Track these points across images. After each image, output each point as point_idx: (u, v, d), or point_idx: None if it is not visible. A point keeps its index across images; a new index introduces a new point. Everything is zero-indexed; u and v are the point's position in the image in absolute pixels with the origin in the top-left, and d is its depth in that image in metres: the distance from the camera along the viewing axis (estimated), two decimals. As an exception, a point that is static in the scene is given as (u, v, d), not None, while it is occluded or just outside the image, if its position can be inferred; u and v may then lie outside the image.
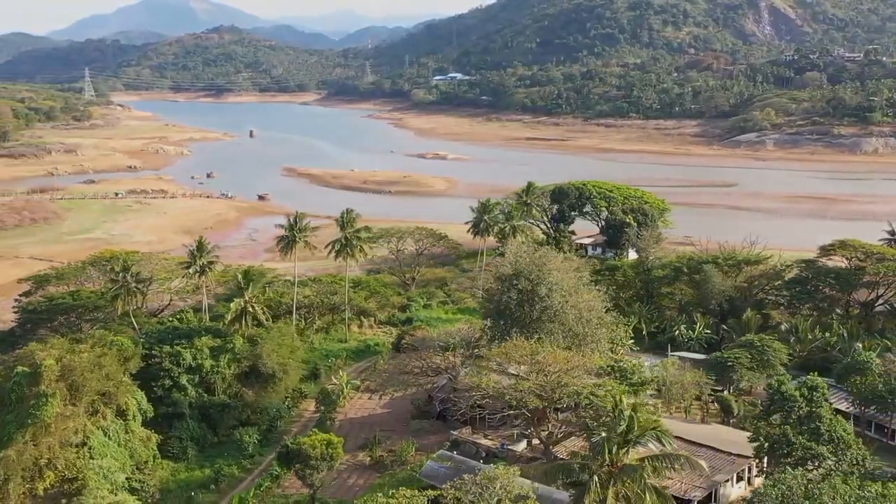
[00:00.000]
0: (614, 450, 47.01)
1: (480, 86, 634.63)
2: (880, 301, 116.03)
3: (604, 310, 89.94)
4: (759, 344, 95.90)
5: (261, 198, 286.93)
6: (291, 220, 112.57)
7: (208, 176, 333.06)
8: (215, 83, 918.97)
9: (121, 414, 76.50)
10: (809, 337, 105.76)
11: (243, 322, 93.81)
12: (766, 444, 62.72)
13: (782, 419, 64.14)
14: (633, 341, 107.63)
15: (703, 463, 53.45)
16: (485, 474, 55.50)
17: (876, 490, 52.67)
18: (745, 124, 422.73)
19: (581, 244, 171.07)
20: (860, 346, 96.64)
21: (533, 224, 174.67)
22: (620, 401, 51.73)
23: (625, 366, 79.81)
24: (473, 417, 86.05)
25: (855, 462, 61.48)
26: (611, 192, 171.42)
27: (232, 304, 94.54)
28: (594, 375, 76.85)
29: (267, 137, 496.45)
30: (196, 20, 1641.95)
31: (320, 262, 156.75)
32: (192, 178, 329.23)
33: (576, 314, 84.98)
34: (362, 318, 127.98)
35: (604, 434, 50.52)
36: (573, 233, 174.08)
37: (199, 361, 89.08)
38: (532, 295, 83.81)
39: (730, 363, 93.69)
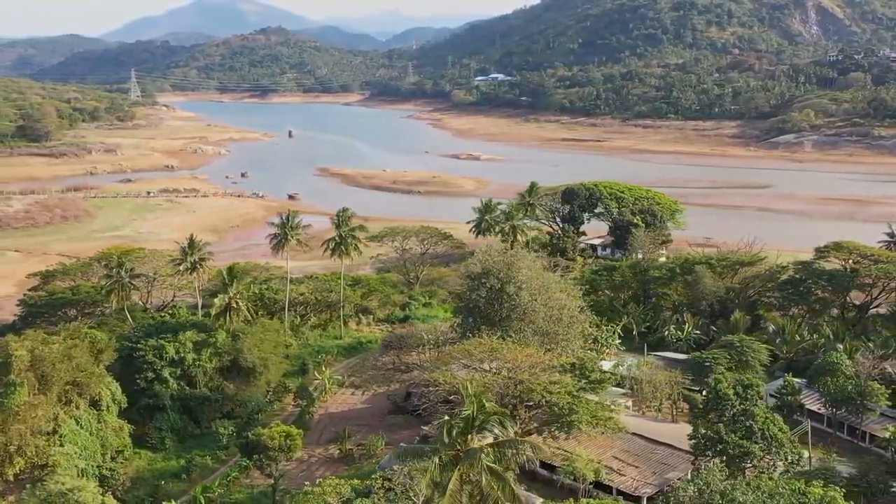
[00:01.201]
0: (454, 433, 48.04)
1: (520, 86, 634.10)
2: (875, 303, 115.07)
3: (578, 309, 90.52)
4: (738, 344, 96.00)
5: (291, 197, 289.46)
6: (283, 218, 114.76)
7: (242, 175, 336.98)
8: (260, 84, 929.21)
9: (94, 404, 79.14)
10: (797, 338, 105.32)
11: (227, 317, 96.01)
12: (701, 442, 63.17)
13: (717, 417, 64.62)
14: (619, 341, 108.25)
15: (544, 449, 53.87)
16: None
17: (797, 488, 52.96)
18: (783, 125, 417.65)
19: (591, 245, 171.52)
20: (841, 347, 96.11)
21: (544, 224, 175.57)
22: (465, 387, 52.58)
23: (586, 363, 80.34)
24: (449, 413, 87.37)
25: (788, 460, 61.69)
26: (622, 192, 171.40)
27: (216, 300, 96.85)
28: (557, 372, 77.56)
29: (305, 137, 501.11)
30: (245, 21, 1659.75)
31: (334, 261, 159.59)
32: (227, 177, 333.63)
33: (546, 313, 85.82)
34: (360, 315, 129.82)
35: (446, 418, 51.59)
36: (583, 233, 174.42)
37: (182, 355, 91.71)
38: (500, 293, 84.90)
39: (707, 363, 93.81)
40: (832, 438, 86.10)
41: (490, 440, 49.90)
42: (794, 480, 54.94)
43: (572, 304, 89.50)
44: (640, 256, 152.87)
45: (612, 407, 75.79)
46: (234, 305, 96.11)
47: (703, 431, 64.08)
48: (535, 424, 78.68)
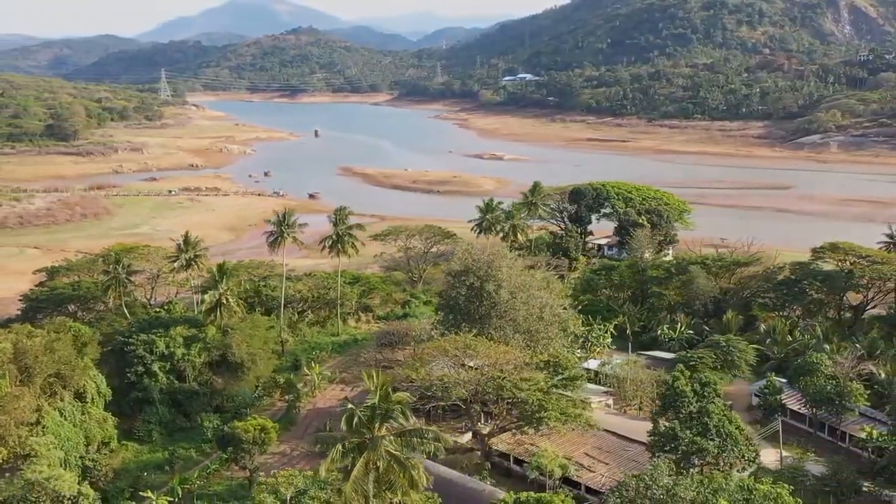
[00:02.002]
0: (354, 422, 49.02)
1: (547, 86, 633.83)
2: (871, 304, 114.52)
3: (561, 308, 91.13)
4: (724, 344, 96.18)
5: (311, 196, 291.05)
6: (280, 216, 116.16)
7: (265, 174, 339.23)
8: (290, 84, 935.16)
9: (79, 396, 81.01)
10: (789, 339, 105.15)
11: (218, 313, 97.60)
12: (657, 439, 63.65)
13: (674, 414, 65.01)
14: (610, 340, 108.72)
15: (447, 439, 54.66)
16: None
17: (744, 484, 53.37)
18: (809, 126, 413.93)
19: (598, 245, 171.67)
20: (828, 347, 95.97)
21: (552, 223, 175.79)
22: (372, 377, 53.40)
23: (560, 361, 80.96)
24: (437, 409, 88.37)
25: (744, 457, 62.01)
26: (630, 192, 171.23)
27: (206, 296, 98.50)
28: (532, 370, 78.30)
29: (331, 137, 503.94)
30: (278, 22, 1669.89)
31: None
32: (250, 176, 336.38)
33: (526, 311, 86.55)
34: (360, 313, 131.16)
35: (350, 406, 52.47)
36: (591, 233, 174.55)
37: (172, 350, 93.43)
38: (480, 291, 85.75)
39: (692, 363, 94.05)
40: (812, 438, 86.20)
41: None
42: (744, 478, 55.27)
43: (554, 303, 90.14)
44: (647, 256, 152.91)
45: (584, 404, 76.34)
46: (224, 302, 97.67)
47: (661, 428, 64.56)
48: (512, 420, 79.65)
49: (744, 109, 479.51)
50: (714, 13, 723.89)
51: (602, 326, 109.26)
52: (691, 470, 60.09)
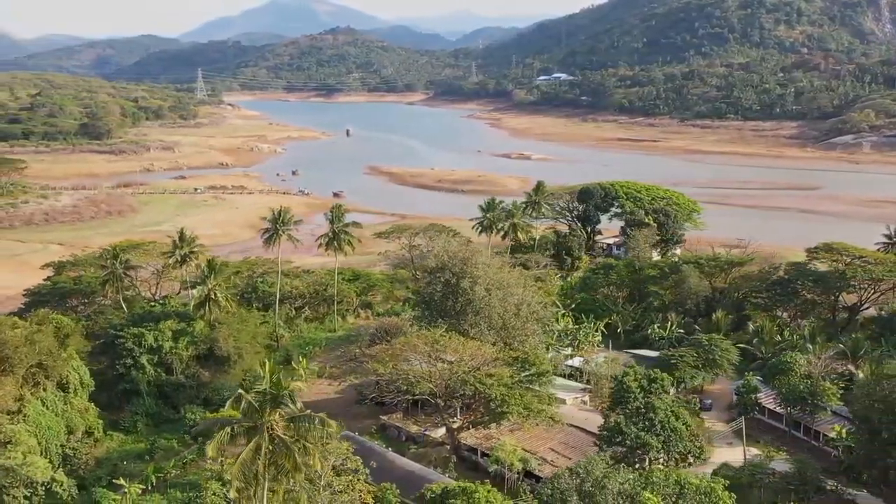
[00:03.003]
0: (242, 406, 50.46)
1: (581, 86, 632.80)
2: (865, 305, 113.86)
3: (540, 305, 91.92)
4: (706, 343, 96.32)
5: (335, 195, 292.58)
6: (275, 213, 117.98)
7: (293, 173, 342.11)
8: (326, 83, 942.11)
9: (63, 387, 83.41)
10: (778, 338, 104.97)
11: (207, 308, 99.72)
12: (604, 434, 64.39)
13: (621, 410, 65.69)
14: (599, 338, 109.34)
15: (332, 424, 55.68)
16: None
17: (678, 478, 54.00)
18: (842, 126, 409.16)
19: (606, 244, 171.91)
20: (811, 347, 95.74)
21: (563, 222, 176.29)
22: (263, 364, 54.61)
23: (529, 357, 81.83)
24: (415, 403, 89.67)
25: (689, 452, 62.60)
26: (639, 192, 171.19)
27: (195, 291, 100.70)
28: (501, 365, 79.23)
29: (363, 136, 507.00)
30: (318, 21, 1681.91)
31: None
32: (277, 174, 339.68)
33: (502, 307, 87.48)
34: (360, 310, 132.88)
35: (240, 392, 53.87)
36: (600, 232, 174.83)
37: (160, 343, 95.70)
38: (456, 287, 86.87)
39: (673, 361, 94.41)
40: (787, 437, 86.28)
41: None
42: (678, 471, 55.95)
43: (532, 300, 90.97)
44: (654, 255, 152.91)
45: (550, 399, 77.17)
46: (213, 297, 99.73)
47: (610, 423, 65.36)
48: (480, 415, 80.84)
49: (777, 109, 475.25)
50: (752, 12, 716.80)
51: (592, 324, 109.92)
52: (638, 464, 60.77)
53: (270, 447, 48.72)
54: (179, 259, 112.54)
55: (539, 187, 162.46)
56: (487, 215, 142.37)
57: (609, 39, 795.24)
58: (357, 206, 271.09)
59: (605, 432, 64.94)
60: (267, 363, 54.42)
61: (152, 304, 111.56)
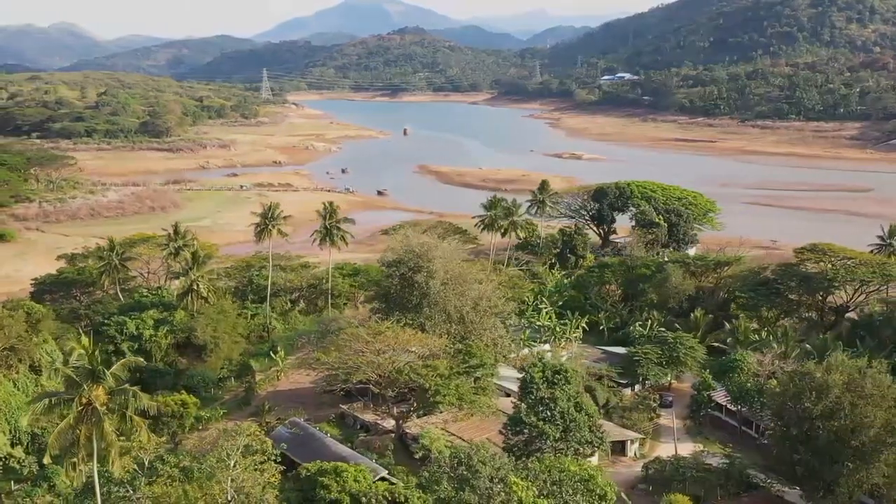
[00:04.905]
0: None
1: (643, 86, 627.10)
2: (852, 306, 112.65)
3: (502, 300, 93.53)
4: (671, 341, 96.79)
5: (380, 193, 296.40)
6: (265, 208, 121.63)
7: (343, 171, 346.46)
8: (392, 83, 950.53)
9: (35, 369, 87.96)
10: (754, 338, 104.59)
11: (190, 298, 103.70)
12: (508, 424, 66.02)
13: (523, 400, 67.17)
14: (579, 334, 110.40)
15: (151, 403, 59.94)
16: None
17: (560, 467, 55.49)
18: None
19: (617, 243, 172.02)
20: (775, 346, 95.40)
21: (580, 222, 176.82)
22: (85, 344, 57.17)
23: (471, 349, 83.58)
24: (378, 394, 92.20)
25: (588, 442, 63.89)
26: (653, 192, 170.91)
27: (178, 282, 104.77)
28: (447, 356, 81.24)
29: (420, 136, 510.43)
30: (389, 22, 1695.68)
31: (353, 254, 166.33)
32: (327, 173, 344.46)
33: (458, 301, 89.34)
34: (359, 305, 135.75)
35: (56, 366, 56.78)
36: (615, 231, 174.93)
37: (141, 331, 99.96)
38: (411, 281, 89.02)
39: (636, 358, 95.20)
40: (738, 433, 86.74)
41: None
42: (564, 460, 57.40)
43: (493, 295, 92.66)
44: (666, 255, 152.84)
45: (486, 390, 78.96)
46: (196, 288, 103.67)
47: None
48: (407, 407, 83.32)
49: (841, 110, 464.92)
50: (822, 10, 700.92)
51: (573, 321, 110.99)
52: (537, 453, 62.31)
53: (93, 418, 52.19)
54: (173, 251, 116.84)
55: (543, 186, 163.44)
56: (490, 213, 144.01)
57: (675, 39, 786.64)
58: (398, 204, 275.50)
59: (508, 422, 66.61)
60: (82, 339, 57.81)
61: (144, 294, 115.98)
